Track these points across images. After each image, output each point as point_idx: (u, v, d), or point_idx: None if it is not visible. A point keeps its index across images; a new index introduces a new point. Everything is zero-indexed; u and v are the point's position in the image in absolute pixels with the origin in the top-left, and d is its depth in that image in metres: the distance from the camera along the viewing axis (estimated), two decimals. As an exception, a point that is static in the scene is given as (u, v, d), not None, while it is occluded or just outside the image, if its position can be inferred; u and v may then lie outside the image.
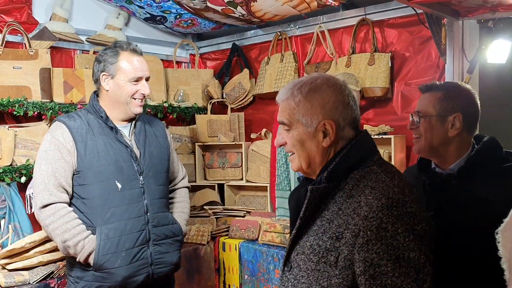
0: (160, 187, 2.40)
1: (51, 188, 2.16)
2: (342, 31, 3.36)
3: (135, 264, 2.24)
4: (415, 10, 2.86)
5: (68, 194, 2.21)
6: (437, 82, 1.86)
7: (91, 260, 2.17)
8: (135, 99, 2.32)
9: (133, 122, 2.40)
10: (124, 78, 2.30)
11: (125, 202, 2.25)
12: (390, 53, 3.08)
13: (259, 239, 3.16)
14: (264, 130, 3.71)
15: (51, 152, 2.20)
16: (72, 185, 2.23)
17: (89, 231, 2.19)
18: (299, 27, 3.56)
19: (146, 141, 2.39)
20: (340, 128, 1.37)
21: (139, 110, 2.35)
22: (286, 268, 1.43)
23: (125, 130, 2.37)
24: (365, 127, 3.04)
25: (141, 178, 2.30)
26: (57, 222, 2.15)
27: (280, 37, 3.63)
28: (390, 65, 3.06)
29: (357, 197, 1.28)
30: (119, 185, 2.23)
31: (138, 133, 2.39)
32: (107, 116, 2.31)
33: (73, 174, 2.23)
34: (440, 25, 2.68)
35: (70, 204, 2.23)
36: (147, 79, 2.37)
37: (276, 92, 3.43)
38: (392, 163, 2.88)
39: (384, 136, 2.94)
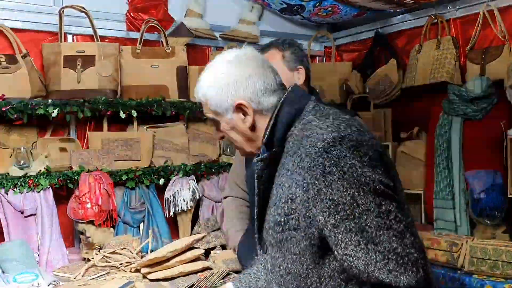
0: None
1: (231, 184, 2.44)
2: (517, 9, 2.81)
3: None
4: None
5: (244, 190, 2.38)
6: None
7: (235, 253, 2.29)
8: None
9: None
10: None
11: None
12: None
13: (417, 255, 2.71)
14: (416, 128, 3.27)
15: (235, 156, 2.58)
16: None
17: (246, 226, 2.30)
18: (458, 8, 3.06)
19: None
20: (255, 103, 1.34)
21: None
22: (261, 251, 1.43)
23: None
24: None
25: None
26: (227, 212, 2.42)
27: (435, 21, 3.15)
28: None
29: (298, 152, 1.24)
30: None
31: None
32: None
33: None
34: None
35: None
36: None
37: (432, 84, 3.07)
38: None
39: None
